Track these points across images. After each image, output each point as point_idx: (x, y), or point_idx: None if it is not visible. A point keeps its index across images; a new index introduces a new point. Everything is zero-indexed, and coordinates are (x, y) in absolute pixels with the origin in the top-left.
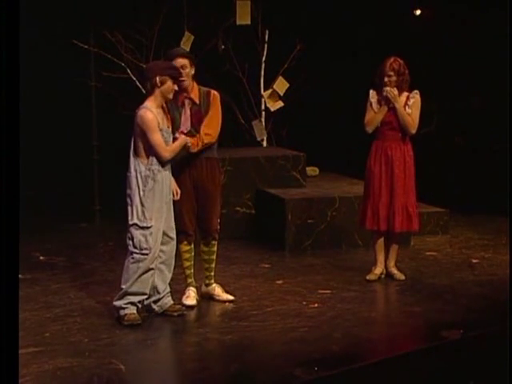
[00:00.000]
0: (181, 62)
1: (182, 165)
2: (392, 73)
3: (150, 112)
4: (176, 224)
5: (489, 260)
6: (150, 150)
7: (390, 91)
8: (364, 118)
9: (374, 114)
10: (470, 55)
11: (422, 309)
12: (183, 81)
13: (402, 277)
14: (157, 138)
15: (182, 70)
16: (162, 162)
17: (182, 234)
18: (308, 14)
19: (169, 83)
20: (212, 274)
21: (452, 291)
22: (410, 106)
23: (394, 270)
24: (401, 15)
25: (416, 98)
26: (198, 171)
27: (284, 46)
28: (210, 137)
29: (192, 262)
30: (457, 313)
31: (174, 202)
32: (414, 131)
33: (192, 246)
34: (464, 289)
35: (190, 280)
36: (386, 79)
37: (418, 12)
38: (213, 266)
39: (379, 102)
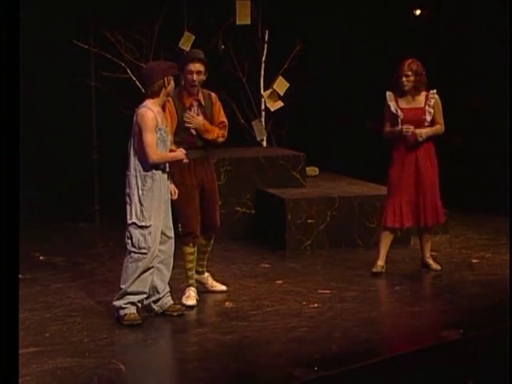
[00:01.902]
0: (198, 67)
1: (186, 167)
2: (410, 73)
3: (151, 111)
4: (183, 226)
5: (489, 260)
6: (140, 149)
7: (418, 133)
8: (383, 121)
9: (392, 131)
10: (469, 55)
11: (422, 309)
12: (194, 86)
13: (438, 267)
14: (151, 139)
15: (196, 76)
16: (145, 163)
17: (189, 235)
18: (308, 14)
19: (172, 82)
20: (205, 262)
21: (452, 291)
22: (432, 106)
23: (430, 261)
24: (401, 15)
25: (435, 97)
26: (203, 172)
27: (284, 46)
28: (225, 126)
29: (195, 263)
30: (457, 313)
31: (179, 204)
32: (443, 131)
33: (196, 247)
34: (464, 289)
35: (191, 281)
36: (403, 79)
37: (418, 12)
38: (207, 255)
39: (397, 103)
